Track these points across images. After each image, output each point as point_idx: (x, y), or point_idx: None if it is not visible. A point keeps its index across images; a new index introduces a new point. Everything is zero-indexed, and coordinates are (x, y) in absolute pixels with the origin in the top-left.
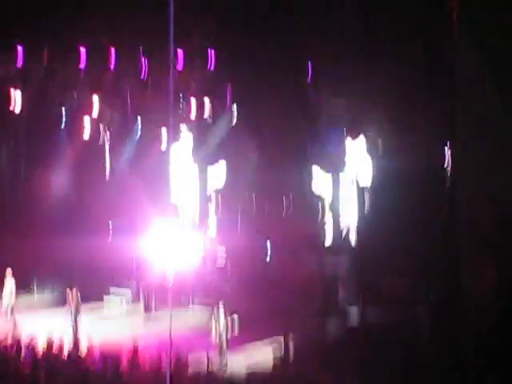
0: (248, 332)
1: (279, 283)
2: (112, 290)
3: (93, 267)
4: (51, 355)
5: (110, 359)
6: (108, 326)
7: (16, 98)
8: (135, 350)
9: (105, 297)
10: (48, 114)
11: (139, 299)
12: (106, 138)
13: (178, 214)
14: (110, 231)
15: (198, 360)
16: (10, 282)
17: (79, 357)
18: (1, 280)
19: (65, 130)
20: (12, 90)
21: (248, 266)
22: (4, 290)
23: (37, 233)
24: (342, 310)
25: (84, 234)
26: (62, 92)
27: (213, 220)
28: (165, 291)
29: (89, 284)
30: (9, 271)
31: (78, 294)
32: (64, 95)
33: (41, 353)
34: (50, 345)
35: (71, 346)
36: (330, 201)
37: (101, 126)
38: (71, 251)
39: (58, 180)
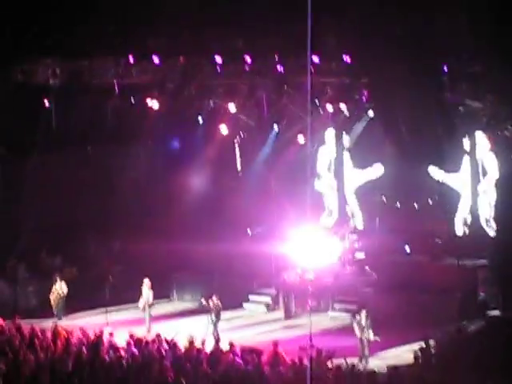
0: (389, 335)
1: (419, 286)
2: (252, 296)
3: (232, 273)
4: (193, 356)
5: (250, 358)
6: (248, 332)
7: (153, 105)
8: (275, 350)
9: (244, 304)
10: (185, 119)
11: (279, 305)
12: (242, 142)
13: (317, 218)
14: (249, 236)
15: (339, 362)
16: (148, 292)
17: (220, 356)
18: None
19: (202, 135)
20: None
21: (387, 269)
22: (142, 300)
23: (175, 237)
24: (484, 311)
25: (223, 239)
26: (198, 98)
27: (352, 222)
28: (304, 296)
29: (229, 290)
30: (147, 282)
31: (219, 300)
32: (200, 101)
33: (183, 355)
34: (191, 347)
35: (212, 348)
36: (466, 199)
37: (238, 131)
38: (210, 257)
39: (196, 184)
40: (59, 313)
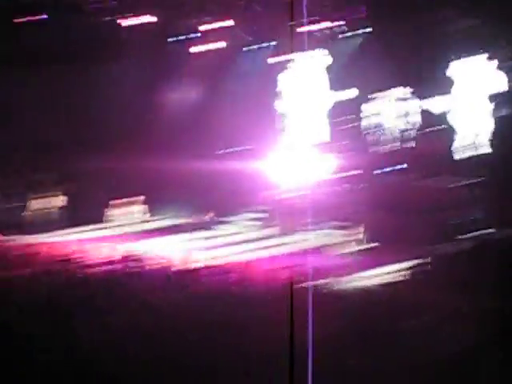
0: (381, 254)
1: (409, 207)
2: (237, 214)
3: (216, 191)
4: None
5: (225, 278)
6: (236, 249)
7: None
8: (249, 270)
9: (230, 220)
10: (176, 34)
11: (267, 222)
12: (233, 58)
13: (304, 136)
14: (232, 153)
15: (330, 280)
16: (132, 210)
17: (191, 274)
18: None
19: (186, 51)
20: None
21: (378, 188)
22: (124, 217)
23: (158, 154)
24: (475, 229)
25: (206, 157)
26: (191, 12)
27: (342, 140)
28: (293, 213)
29: (214, 208)
30: (131, 200)
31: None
32: (194, 15)
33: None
34: (167, 265)
35: (191, 264)
36: (461, 121)
37: (230, 47)
38: (194, 174)
39: (181, 100)
40: (38, 229)
